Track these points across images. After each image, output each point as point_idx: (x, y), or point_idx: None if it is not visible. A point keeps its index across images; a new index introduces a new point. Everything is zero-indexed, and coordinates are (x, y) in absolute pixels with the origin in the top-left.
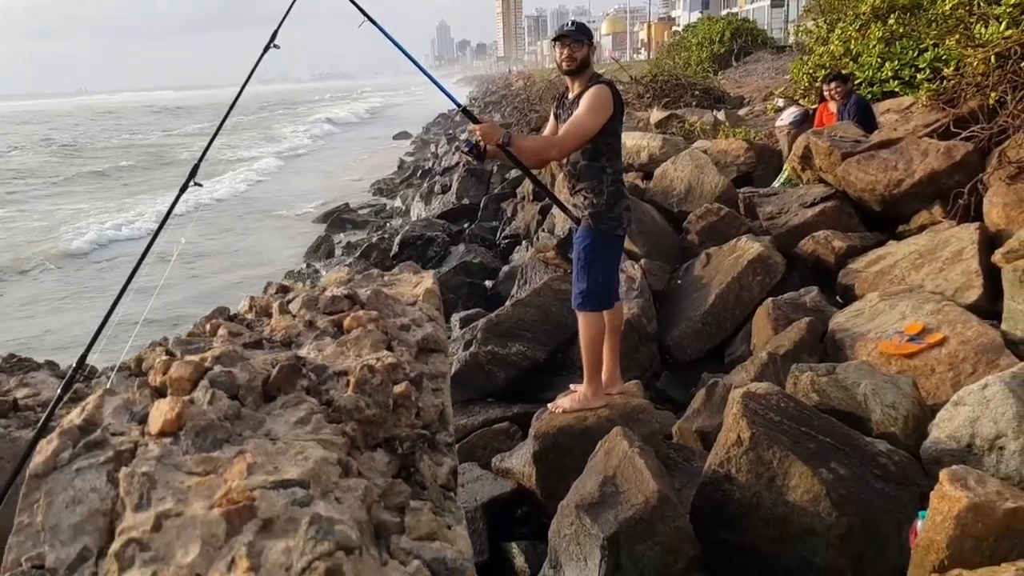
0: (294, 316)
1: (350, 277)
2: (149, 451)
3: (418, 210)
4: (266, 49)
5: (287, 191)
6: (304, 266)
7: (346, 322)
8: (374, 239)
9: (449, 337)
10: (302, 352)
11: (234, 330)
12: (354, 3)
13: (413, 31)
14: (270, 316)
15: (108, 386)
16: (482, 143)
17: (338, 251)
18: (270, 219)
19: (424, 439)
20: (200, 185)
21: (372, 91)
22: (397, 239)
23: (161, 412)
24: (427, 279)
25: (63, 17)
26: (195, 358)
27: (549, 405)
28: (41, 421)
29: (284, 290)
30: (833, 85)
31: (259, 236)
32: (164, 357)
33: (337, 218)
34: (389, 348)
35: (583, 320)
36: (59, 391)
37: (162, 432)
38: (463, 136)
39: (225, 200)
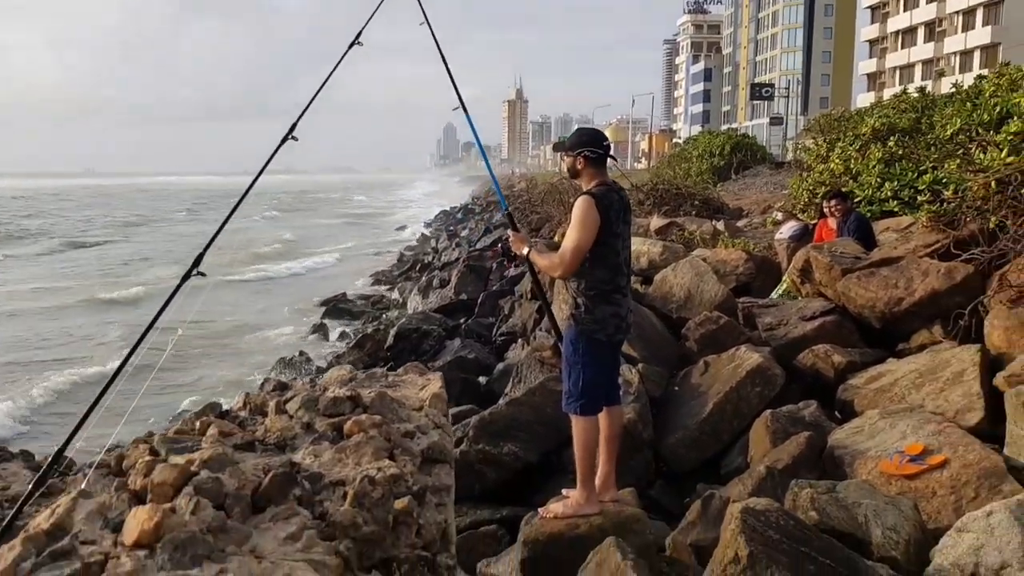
0: (291, 416)
1: (352, 376)
2: (120, 565)
3: (415, 303)
4: (283, 140)
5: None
6: (297, 354)
7: (347, 426)
8: (369, 329)
9: None
10: (297, 457)
11: (225, 429)
12: (457, 90)
13: (421, 132)
14: (265, 415)
15: (83, 486)
16: (511, 248)
17: (332, 339)
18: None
19: (424, 562)
20: (203, 275)
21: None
22: (393, 331)
23: (138, 521)
24: (435, 382)
25: (82, 98)
26: (181, 460)
27: (540, 510)
28: (6, 520)
29: (283, 387)
30: (833, 203)
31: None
32: (147, 457)
33: (334, 307)
34: (391, 457)
35: (576, 424)
36: (29, 486)
37: (137, 543)
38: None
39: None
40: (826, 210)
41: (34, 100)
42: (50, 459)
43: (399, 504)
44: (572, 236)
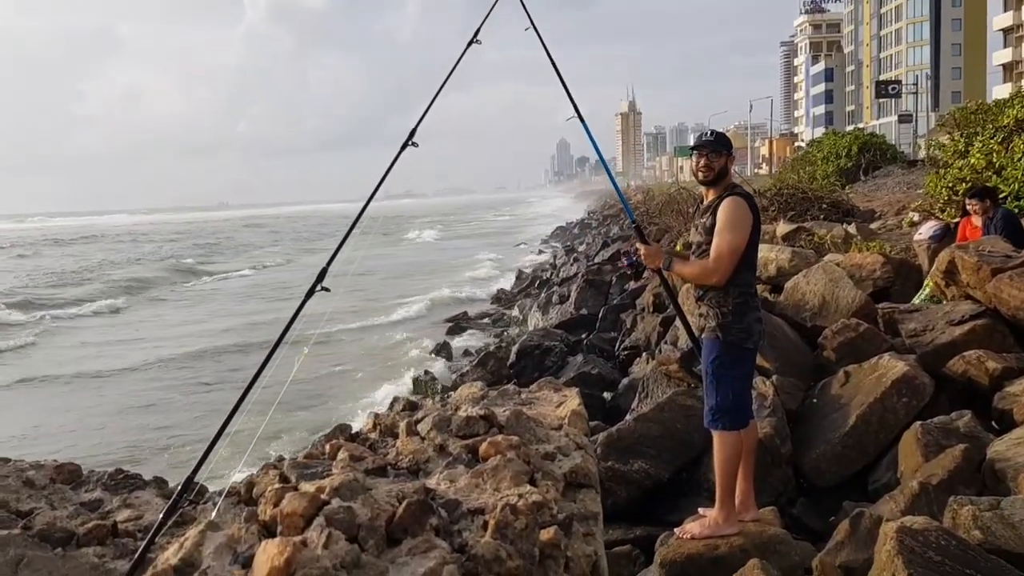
0: (423, 438)
1: (484, 393)
2: None
3: (536, 320)
4: (404, 146)
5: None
6: (422, 372)
7: (482, 448)
8: (491, 347)
9: None
10: (431, 482)
11: (356, 453)
12: (571, 97)
13: (534, 150)
14: (396, 436)
15: (213, 516)
16: (644, 262)
17: (455, 357)
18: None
19: None
20: (328, 290)
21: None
22: (515, 348)
23: (268, 556)
24: (572, 399)
25: (210, 135)
26: (311, 488)
27: (676, 530)
28: (138, 552)
29: (412, 407)
30: (975, 200)
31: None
32: (277, 485)
33: (456, 325)
34: (532, 482)
35: (718, 439)
36: (161, 516)
37: None
38: (622, 249)
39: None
40: (969, 208)
41: (168, 138)
42: (180, 487)
43: (545, 535)
44: (727, 238)
